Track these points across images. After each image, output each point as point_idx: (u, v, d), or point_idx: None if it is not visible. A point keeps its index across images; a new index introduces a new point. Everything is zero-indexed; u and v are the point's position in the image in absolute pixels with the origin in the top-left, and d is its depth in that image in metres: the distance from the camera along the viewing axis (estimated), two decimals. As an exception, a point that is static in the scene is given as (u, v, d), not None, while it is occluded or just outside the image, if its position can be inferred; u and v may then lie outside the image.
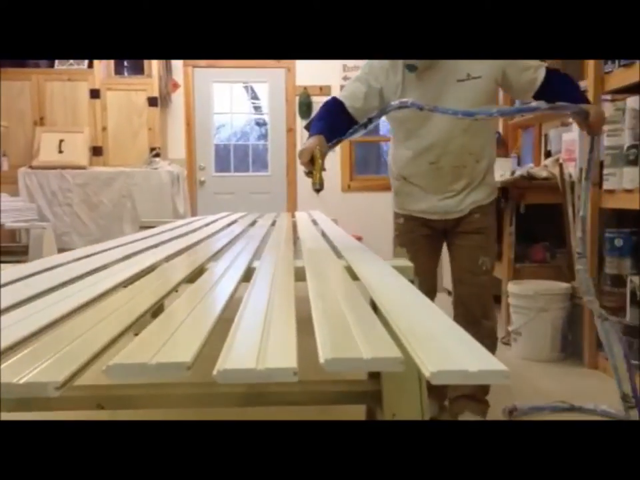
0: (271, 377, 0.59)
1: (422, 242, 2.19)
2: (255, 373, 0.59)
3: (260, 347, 0.67)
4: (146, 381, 1.34)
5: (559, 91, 1.91)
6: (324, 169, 1.75)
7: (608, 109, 2.68)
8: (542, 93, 1.98)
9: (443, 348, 0.68)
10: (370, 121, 1.94)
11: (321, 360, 0.61)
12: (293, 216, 3.39)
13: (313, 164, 1.73)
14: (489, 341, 2.15)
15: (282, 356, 0.64)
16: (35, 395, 0.58)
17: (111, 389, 1.33)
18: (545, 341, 2.98)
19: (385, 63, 2.04)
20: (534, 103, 1.99)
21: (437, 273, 2.31)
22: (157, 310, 1.05)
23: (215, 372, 0.60)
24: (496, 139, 2.23)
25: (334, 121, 1.92)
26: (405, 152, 2.14)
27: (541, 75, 1.97)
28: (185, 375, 0.61)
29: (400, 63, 2.02)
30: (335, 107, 2.00)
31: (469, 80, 1.97)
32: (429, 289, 2.13)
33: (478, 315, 2.15)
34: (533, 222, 3.35)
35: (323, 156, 1.75)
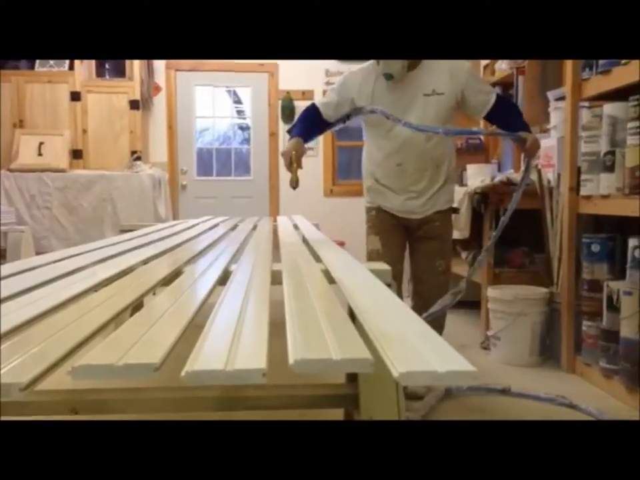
0: (240, 379, 0.59)
1: (393, 230, 2.48)
2: (223, 375, 0.59)
3: (230, 349, 0.67)
4: (121, 385, 1.32)
5: (505, 116, 2.29)
6: (300, 167, 2.06)
7: (585, 115, 2.72)
8: (491, 115, 2.33)
9: (413, 349, 0.68)
10: (348, 117, 2.36)
11: (290, 361, 0.61)
12: (275, 220, 3.39)
13: (290, 164, 2.06)
14: (438, 330, 2.37)
15: (252, 358, 0.63)
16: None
17: (86, 394, 1.32)
18: (524, 346, 3.00)
19: (358, 76, 2.35)
20: (476, 128, 2.35)
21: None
22: (136, 309, 1.04)
23: (183, 373, 0.59)
24: (456, 150, 2.58)
25: (311, 125, 2.32)
26: (377, 153, 2.45)
27: (492, 99, 2.30)
28: (153, 377, 0.60)
29: (372, 75, 2.32)
30: (313, 112, 2.37)
31: (434, 95, 2.27)
32: (397, 273, 2.40)
33: (430, 308, 2.39)
34: (512, 227, 3.37)
35: (299, 158, 2.08)
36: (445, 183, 2.44)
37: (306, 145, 2.27)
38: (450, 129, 2.26)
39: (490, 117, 2.34)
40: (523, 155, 2.29)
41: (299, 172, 2.07)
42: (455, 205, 2.63)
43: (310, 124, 2.32)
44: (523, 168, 2.32)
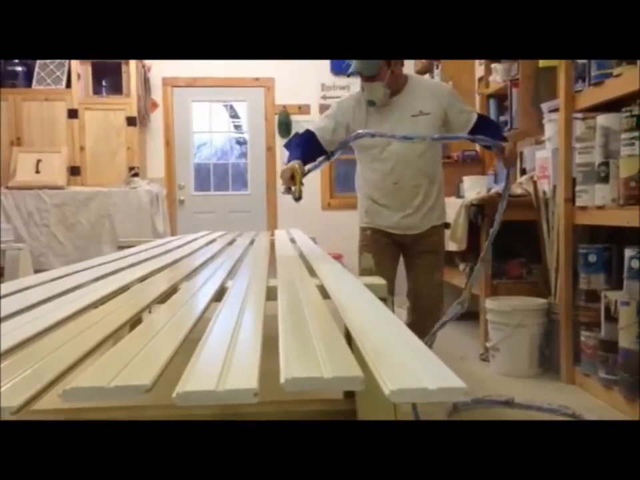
0: (231, 399, 0.59)
1: (386, 249, 2.59)
2: (214, 395, 0.59)
3: (222, 369, 0.67)
4: (118, 403, 1.32)
5: (487, 132, 2.37)
6: (302, 184, 2.19)
7: (579, 126, 2.74)
8: (473, 132, 2.43)
9: (405, 366, 0.68)
10: (333, 153, 2.43)
11: (282, 379, 0.61)
12: (272, 234, 3.40)
13: (293, 180, 2.18)
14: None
15: (243, 377, 0.64)
16: (-9, 420, 0.57)
17: (80, 413, 1.31)
18: (523, 357, 3.00)
19: (352, 102, 2.50)
20: (460, 133, 2.45)
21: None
22: (135, 324, 1.04)
23: (174, 394, 0.59)
24: (453, 161, 2.72)
25: (308, 149, 2.37)
26: (372, 175, 2.56)
27: (474, 118, 2.46)
28: (144, 398, 0.60)
29: (362, 102, 2.46)
30: (309, 137, 2.44)
31: (421, 115, 2.41)
32: (389, 290, 2.42)
33: (428, 321, 2.47)
34: (509, 238, 3.38)
35: (302, 172, 2.20)
36: (438, 197, 2.57)
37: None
38: (435, 135, 2.39)
39: (472, 134, 2.45)
40: (502, 165, 2.48)
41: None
42: (447, 220, 2.76)
43: (307, 148, 2.38)
44: (504, 181, 2.50)
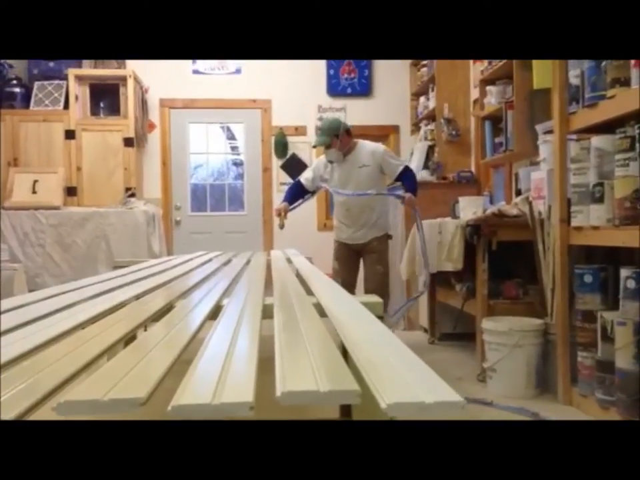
0: (226, 412, 0.59)
1: (346, 257, 3.88)
2: (210, 408, 0.59)
3: (218, 383, 0.66)
4: (115, 417, 1.31)
5: (405, 179, 3.73)
6: (286, 218, 3.74)
7: (574, 148, 2.76)
8: (398, 178, 3.75)
9: (402, 380, 0.68)
10: (313, 193, 4.00)
11: (277, 393, 0.61)
12: (269, 255, 3.41)
13: (280, 216, 3.72)
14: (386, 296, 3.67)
15: (239, 391, 0.63)
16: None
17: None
18: (520, 378, 2.98)
19: (324, 159, 3.84)
20: (370, 191, 3.65)
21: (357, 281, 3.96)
22: (130, 342, 1.03)
23: (169, 408, 0.59)
24: (387, 199, 4.03)
25: (295, 194, 3.91)
26: (336, 204, 3.94)
27: (400, 168, 3.74)
28: (138, 411, 0.60)
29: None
30: (297, 185, 3.95)
31: (364, 167, 3.72)
32: (350, 282, 3.72)
33: None
34: (505, 259, 3.38)
35: (286, 211, 3.77)
36: (378, 219, 3.81)
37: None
38: (356, 192, 3.65)
39: (398, 179, 3.76)
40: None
41: (286, 221, 3.75)
42: (389, 233, 3.98)
43: (295, 193, 3.90)
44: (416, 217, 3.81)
